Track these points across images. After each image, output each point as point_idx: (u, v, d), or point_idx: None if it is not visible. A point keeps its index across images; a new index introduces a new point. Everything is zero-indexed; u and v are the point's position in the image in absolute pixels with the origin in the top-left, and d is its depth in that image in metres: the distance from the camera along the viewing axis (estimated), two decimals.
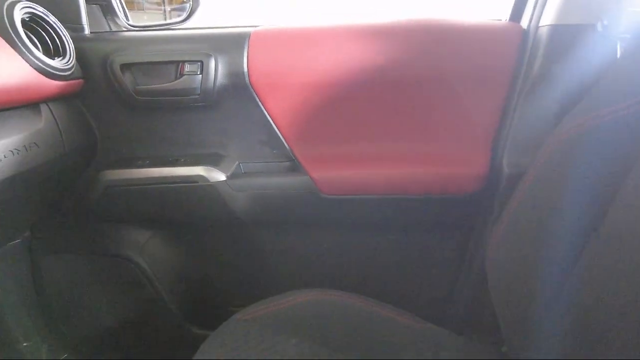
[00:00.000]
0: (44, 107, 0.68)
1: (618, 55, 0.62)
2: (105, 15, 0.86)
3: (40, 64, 0.62)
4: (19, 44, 0.60)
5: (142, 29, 0.90)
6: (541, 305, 0.49)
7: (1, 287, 0.85)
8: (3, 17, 0.59)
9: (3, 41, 0.59)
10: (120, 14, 0.87)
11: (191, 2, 0.99)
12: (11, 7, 0.60)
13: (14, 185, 0.62)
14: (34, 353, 0.94)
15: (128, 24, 0.88)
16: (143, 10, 1.35)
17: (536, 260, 0.49)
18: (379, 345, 0.58)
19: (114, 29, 0.86)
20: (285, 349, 0.55)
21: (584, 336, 0.39)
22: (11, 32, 0.59)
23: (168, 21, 0.98)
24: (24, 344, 0.92)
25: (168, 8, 1.31)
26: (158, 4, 1.29)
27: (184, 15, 1.00)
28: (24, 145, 0.62)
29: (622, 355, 0.34)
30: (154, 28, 0.92)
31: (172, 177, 0.77)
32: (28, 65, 0.61)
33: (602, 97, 0.46)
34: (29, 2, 0.64)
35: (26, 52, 0.61)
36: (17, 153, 0.61)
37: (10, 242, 0.84)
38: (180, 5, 1.27)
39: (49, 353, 0.95)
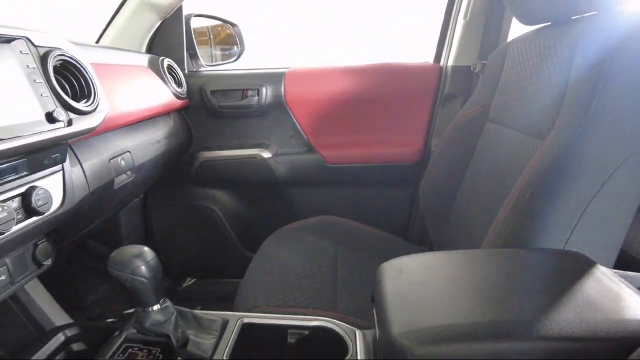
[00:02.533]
0: (172, 115, 1.21)
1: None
2: (192, 60, 1.39)
3: (174, 90, 1.15)
4: (166, 79, 1.12)
5: (213, 68, 1.43)
6: (444, 216, 0.97)
7: (123, 231, 1.34)
8: (159, 67, 1.12)
9: (159, 79, 1.11)
10: (200, 59, 1.41)
11: (240, 48, 1.53)
12: (162, 61, 1.13)
13: (161, 160, 1.10)
14: None
15: (205, 64, 1.41)
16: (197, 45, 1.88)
17: (440, 193, 0.97)
18: (360, 242, 1.05)
19: (196, 68, 1.39)
20: (307, 240, 1.02)
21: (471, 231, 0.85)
22: (162, 74, 1.12)
23: (227, 61, 1.51)
24: None
25: (214, 51, 1.83)
26: (205, 42, 1.82)
27: (235, 57, 1.54)
28: (166, 136, 1.13)
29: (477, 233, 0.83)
30: (220, 68, 1.45)
31: (240, 155, 1.28)
32: (170, 91, 1.13)
33: (468, 106, 0.97)
34: (167, 58, 1.18)
35: (169, 84, 1.13)
36: (164, 140, 1.12)
37: (133, 200, 1.34)
38: (223, 46, 1.79)
39: None
